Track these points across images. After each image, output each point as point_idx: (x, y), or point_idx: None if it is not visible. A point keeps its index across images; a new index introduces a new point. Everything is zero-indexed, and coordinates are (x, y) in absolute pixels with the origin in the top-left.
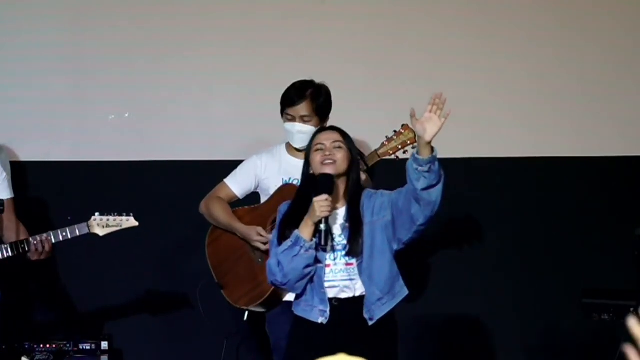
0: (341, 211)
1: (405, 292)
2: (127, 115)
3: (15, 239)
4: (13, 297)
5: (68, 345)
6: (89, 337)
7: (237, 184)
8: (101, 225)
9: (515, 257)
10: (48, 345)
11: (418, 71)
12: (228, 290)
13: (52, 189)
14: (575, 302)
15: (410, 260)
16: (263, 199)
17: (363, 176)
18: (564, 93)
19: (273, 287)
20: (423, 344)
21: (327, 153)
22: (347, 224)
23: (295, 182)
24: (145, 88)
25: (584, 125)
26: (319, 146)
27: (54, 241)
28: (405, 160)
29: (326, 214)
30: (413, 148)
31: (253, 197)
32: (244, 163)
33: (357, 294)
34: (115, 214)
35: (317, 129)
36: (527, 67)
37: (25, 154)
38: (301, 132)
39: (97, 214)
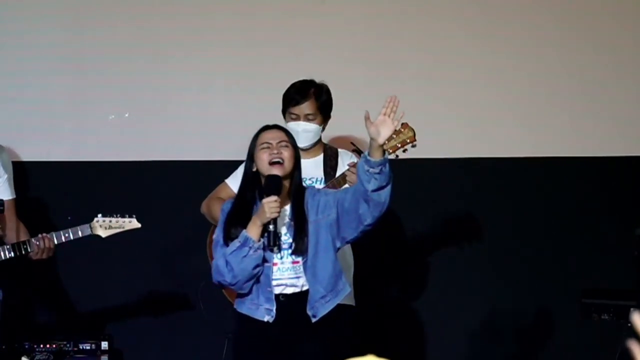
0: (286, 210)
1: (348, 289)
2: (127, 115)
3: (16, 240)
4: (14, 297)
5: (68, 345)
6: (89, 337)
7: (237, 184)
8: (104, 226)
9: (515, 257)
10: (48, 345)
11: (418, 71)
12: (228, 290)
13: (52, 189)
14: (575, 302)
15: (410, 260)
16: None
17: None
18: (564, 93)
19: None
20: (423, 343)
21: (275, 152)
22: (292, 223)
23: None
24: (145, 88)
25: (584, 125)
26: (265, 145)
27: (56, 242)
28: (406, 159)
29: (275, 215)
30: (413, 147)
31: None
32: (245, 163)
33: (304, 289)
34: (118, 215)
35: (261, 127)
36: (527, 67)
37: (25, 154)
38: (306, 130)
39: (99, 215)
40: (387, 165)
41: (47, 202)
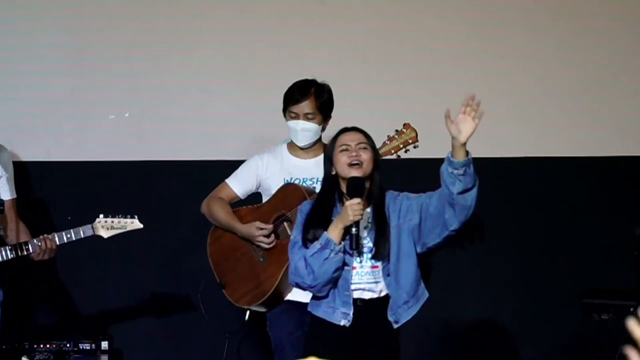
0: (367, 212)
1: (426, 294)
2: (127, 115)
3: (16, 240)
4: (14, 297)
5: (68, 345)
6: (89, 337)
7: (238, 184)
8: (105, 227)
9: (515, 257)
10: (48, 345)
11: (418, 71)
12: (229, 289)
13: (52, 189)
14: (575, 302)
15: None
16: (265, 199)
17: None
18: (564, 93)
19: (275, 287)
20: (423, 343)
21: (354, 154)
22: (373, 226)
23: (297, 182)
24: (145, 88)
25: (584, 125)
26: (343, 147)
27: (58, 243)
28: (406, 159)
29: (359, 217)
30: (415, 147)
31: (255, 197)
32: (245, 163)
33: (382, 294)
34: (120, 215)
35: (340, 129)
36: (528, 67)
37: (26, 154)
38: (305, 129)
39: (101, 215)
40: (472, 166)
41: (48, 202)
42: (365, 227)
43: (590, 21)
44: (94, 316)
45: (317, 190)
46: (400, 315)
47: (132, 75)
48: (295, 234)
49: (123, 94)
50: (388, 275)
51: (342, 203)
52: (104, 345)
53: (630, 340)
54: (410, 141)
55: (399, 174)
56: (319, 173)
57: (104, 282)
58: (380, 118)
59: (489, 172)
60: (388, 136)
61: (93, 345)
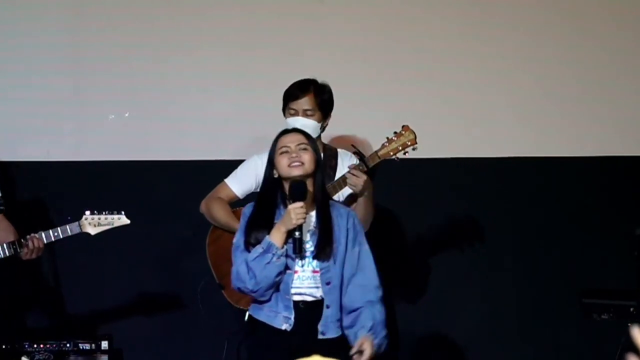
0: (309, 217)
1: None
2: (127, 115)
3: (5, 239)
4: (14, 296)
5: (68, 345)
6: (89, 337)
7: (237, 184)
8: (92, 224)
9: (515, 257)
10: (48, 345)
11: (418, 72)
12: (229, 290)
13: (52, 189)
14: (575, 302)
15: (410, 259)
16: None
17: (364, 177)
18: (564, 93)
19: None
20: (423, 344)
21: (294, 155)
22: (315, 229)
23: None
24: (145, 88)
25: (584, 125)
26: (284, 149)
27: (45, 241)
28: (406, 159)
29: (302, 221)
30: (413, 149)
31: (254, 197)
32: (244, 163)
33: (321, 299)
34: (107, 212)
35: (280, 131)
36: (527, 67)
37: (25, 154)
38: (304, 126)
39: (87, 212)
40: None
41: (47, 202)
42: (309, 231)
43: (590, 21)
44: (94, 316)
45: None
46: (329, 328)
47: (132, 75)
48: (237, 237)
49: (123, 94)
50: (327, 283)
51: (285, 206)
52: (104, 345)
53: (630, 344)
54: (408, 143)
55: (398, 176)
56: None
57: (104, 283)
58: (380, 118)
59: (489, 172)
60: (387, 138)
61: (93, 345)
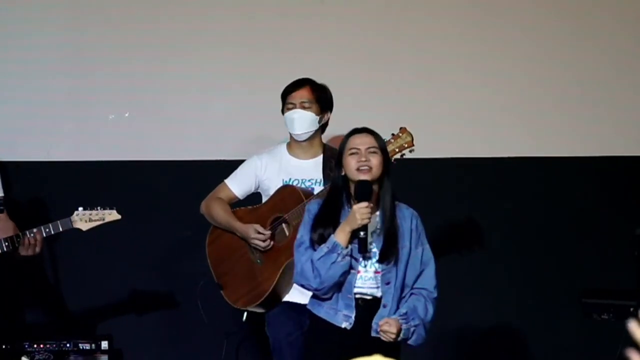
0: (373, 217)
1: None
2: (127, 115)
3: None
4: (15, 296)
5: (68, 345)
6: (89, 337)
7: (237, 185)
8: (84, 219)
9: (515, 257)
10: (48, 345)
11: (418, 72)
12: (227, 290)
13: (52, 189)
14: (575, 302)
15: None
16: (264, 199)
17: None
18: (564, 93)
19: (272, 289)
20: (423, 345)
21: (363, 159)
22: (380, 231)
23: (295, 183)
24: (145, 88)
25: (584, 125)
26: (353, 150)
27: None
28: (405, 159)
29: (367, 221)
30: (410, 152)
31: (254, 197)
32: (244, 163)
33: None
34: (98, 208)
35: (350, 130)
36: (527, 67)
37: (25, 154)
38: (302, 117)
39: (80, 208)
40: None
41: (47, 202)
42: (373, 232)
43: (590, 21)
44: (94, 316)
45: (316, 192)
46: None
47: (132, 75)
48: (302, 233)
49: (123, 94)
50: (387, 283)
51: (351, 205)
52: (104, 345)
53: (630, 341)
54: (405, 145)
55: (399, 174)
56: (318, 174)
57: (104, 282)
58: (380, 118)
59: (489, 172)
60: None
61: (93, 345)
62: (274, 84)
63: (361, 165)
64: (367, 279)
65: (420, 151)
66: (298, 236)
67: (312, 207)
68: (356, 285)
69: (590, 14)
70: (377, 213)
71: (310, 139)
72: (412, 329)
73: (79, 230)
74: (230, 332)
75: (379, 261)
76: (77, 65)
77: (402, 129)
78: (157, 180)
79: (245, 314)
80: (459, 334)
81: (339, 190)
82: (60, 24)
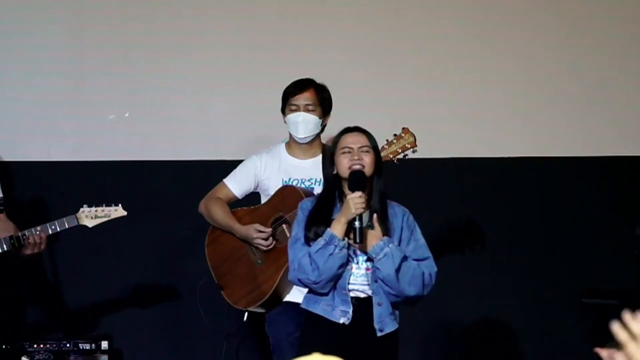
0: (365, 215)
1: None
2: (127, 115)
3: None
4: (15, 296)
5: (68, 345)
6: (89, 337)
7: (236, 184)
8: (90, 216)
9: (515, 257)
10: (48, 345)
11: (418, 72)
12: (228, 291)
13: (52, 189)
14: (575, 302)
15: None
16: (263, 199)
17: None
18: (564, 93)
19: (273, 289)
20: (422, 344)
21: (356, 157)
22: (371, 226)
23: (294, 183)
24: (145, 88)
25: (584, 125)
26: (346, 149)
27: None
28: (406, 160)
29: (361, 210)
30: (413, 152)
31: (254, 197)
32: (243, 163)
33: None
34: (104, 204)
35: (343, 128)
36: (527, 67)
37: (25, 154)
38: (306, 121)
39: (85, 205)
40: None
41: (47, 201)
42: (367, 227)
43: (590, 21)
44: (94, 316)
45: (316, 192)
46: (385, 324)
47: (132, 75)
48: (296, 230)
49: (123, 94)
50: (375, 281)
51: (343, 202)
52: (104, 345)
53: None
54: (408, 146)
55: (397, 179)
56: (318, 174)
57: (104, 282)
58: (380, 118)
59: (489, 172)
60: (387, 140)
61: (93, 345)
62: (274, 84)
63: (354, 163)
64: (359, 275)
65: (421, 151)
66: (293, 234)
67: (306, 204)
68: (350, 281)
69: (590, 14)
70: (366, 212)
71: (311, 140)
72: (389, 251)
73: (85, 227)
74: (230, 332)
75: (370, 260)
76: (77, 65)
77: (405, 130)
78: (157, 180)
79: (246, 314)
80: (459, 334)
81: (331, 188)
82: (60, 24)
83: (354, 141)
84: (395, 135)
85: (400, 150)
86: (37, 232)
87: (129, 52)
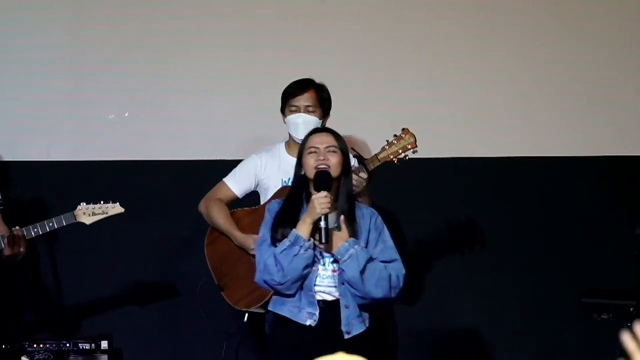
0: (331, 216)
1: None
2: (127, 115)
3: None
4: (14, 296)
5: (68, 345)
6: (89, 337)
7: (236, 184)
8: (87, 213)
9: (515, 257)
10: (48, 345)
11: (418, 72)
12: (228, 291)
13: (52, 189)
14: (575, 302)
15: (409, 259)
16: (263, 198)
17: (365, 175)
18: (564, 93)
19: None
20: (423, 344)
21: (322, 158)
22: (338, 228)
23: None
24: (145, 88)
25: (584, 125)
26: (312, 149)
27: (40, 232)
28: (406, 160)
29: (327, 211)
30: (414, 153)
31: (253, 196)
32: (243, 162)
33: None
34: (102, 202)
35: (311, 130)
36: (527, 67)
37: (25, 154)
38: (307, 122)
39: (83, 203)
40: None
41: (47, 202)
42: (334, 229)
43: (590, 21)
44: (94, 316)
45: None
46: (353, 327)
47: (132, 75)
48: (263, 232)
49: (123, 94)
50: (343, 283)
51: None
52: (104, 345)
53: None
54: (409, 147)
55: (398, 179)
56: None
57: (103, 282)
58: (380, 118)
59: (489, 172)
60: (387, 141)
61: (93, 345)
62: (274, 84)
63: (320, 164)
64: (325, 277)
65: (421, 151)
66: (260, 235)
67: (273, 206)
68: (316, 283)
69: (590, 14)
70: (334, 212)
71: None
72: (354, 253)
73: (82, 224)
74: (230, 332)
75: (336, 261)
76: (77, 65)
77: (405, 130)
78: (157, 180)
79: (247, 315)
80: (459, 334)
81: (299, 190)
82: (60, 24)
83: (321, 141)
84: (395, 136)
85: (401, 151)
86: (36, 230)
87: (129, 52)
